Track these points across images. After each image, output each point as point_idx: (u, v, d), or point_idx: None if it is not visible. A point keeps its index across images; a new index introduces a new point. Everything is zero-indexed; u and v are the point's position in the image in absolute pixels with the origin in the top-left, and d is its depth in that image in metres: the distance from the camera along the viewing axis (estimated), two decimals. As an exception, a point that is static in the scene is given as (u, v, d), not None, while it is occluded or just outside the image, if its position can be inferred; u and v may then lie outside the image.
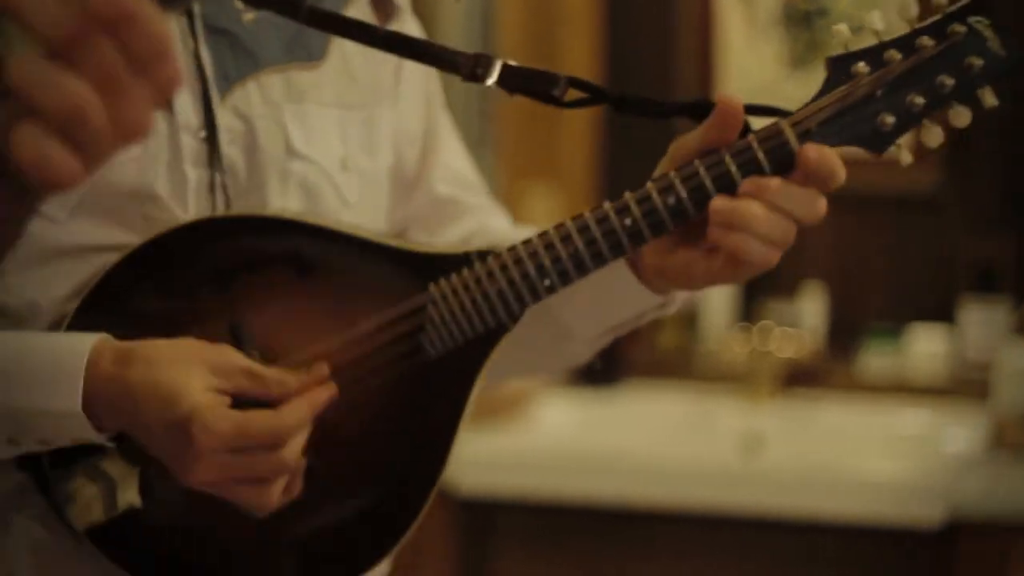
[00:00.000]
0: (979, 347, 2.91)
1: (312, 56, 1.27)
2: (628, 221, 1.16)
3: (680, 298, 1.28)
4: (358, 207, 1.29)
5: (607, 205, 1.17)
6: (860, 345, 3.02)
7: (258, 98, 1.23)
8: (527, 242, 1.18)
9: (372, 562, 1.25)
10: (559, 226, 1.17)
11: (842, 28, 1.17)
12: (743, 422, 2.92)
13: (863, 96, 1.15)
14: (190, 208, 1.20)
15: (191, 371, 1.11)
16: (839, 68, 1.17)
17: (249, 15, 1.23)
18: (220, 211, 1.21)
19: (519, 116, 3.13)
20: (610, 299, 1.25)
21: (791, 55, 3.11)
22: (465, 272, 1.19)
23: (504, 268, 1.19)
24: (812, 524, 2.55)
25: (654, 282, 1.22)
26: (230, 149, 1.22)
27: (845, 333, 3.06)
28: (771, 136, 1.15)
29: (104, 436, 1.14)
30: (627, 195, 1.18)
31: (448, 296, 1.20)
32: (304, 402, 1.14)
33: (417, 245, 1.24)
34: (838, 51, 1.17)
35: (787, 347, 2.99)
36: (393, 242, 1.23)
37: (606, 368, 2.99)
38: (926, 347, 2.96)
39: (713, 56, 3.14)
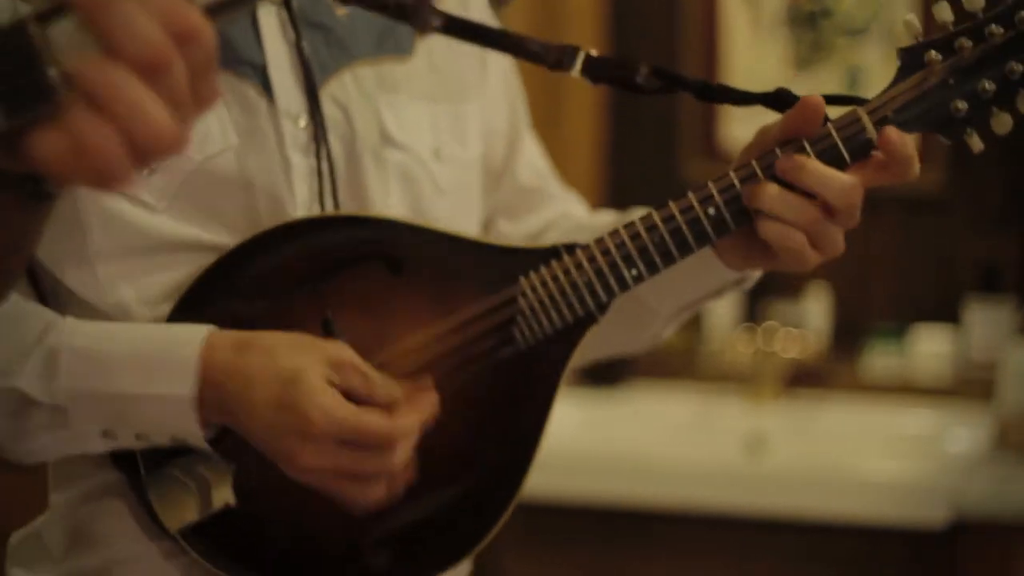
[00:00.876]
0: (983, 347, 2.91)
1: (401, 50, 1.30)
2: (712, 211, 1.20)
3: (756, 274, 1.32)
4: (452, 195, 1.32)
5: (690, 195, 1.20)
6: (864, 345, 3.03)
7: (353, 88, 1.26)
8: (614, 233, 1.22)
9: (464, 553, 1.27)
10: (645, 217, 1.21)
11: (912, 19, 1.21)
12: (747, 422, 2.92)
13: (936, 83, 1.19)
14: (296, 194, 1.23)
15: (310, 360, 1.13)
16: (912, 57, 1.20)
17: (342, 10, 1.26)
18: (327, 195, 1.24)
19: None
20: (689, 276, 1.29)
21: (795, 56, 3.11)
22: (554, 264, 1.23)
23: (592, 259, 1.22)
24: (816, 524, 2.55)
25: (730, 260, 1.26)
26: (330, 137, 1.25)
27: (849, 333, 3.06)
28: (849, 123, 1.19)
29: (206, 432, 1.16)
30: (710, 184, 1.20)
31: (538, 287, 1.23)
32: (415, 412, 1.16)
33: (507, 241, 1.29)
34: (909, 42, 1.20)
35: (791, 347, 3.00)
36: (483, 238, 1.28)
37: (610, 368, 3.00)
38: (930, 347, 2.96)
39: (718, 57, 3.14)
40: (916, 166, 1.18)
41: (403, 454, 1.15)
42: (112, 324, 1.18)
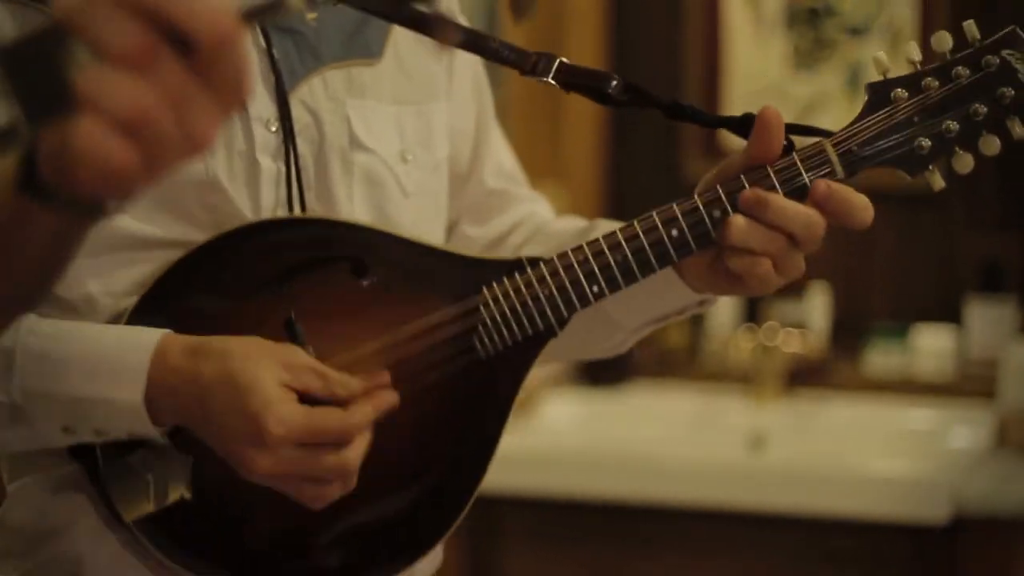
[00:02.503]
0: (984, 345, 2.91)
1: (371, 54, 1.31)
2: (675, 232, 1.22)
3: (717, 298, 1.33)
4: (417, 198, 1.32)
5: (655, 215, 1.22)
6: (865, 344, 3.03)
7: (322, 92, 1.27)
8: (577, 248, 1.24)
9: (418, 554, 1.29)
10: (609, 235, 1.23)
11: (881, 56, 1.24)
12: (749, 421, 2.93)
13: (902, 120, 1.23)
14: (263, 197, 1.24)
15: (264, 365, 1.14)
16: (879, 93, 1.24)
17: (311, 15, 1.28)
18: (295, 199, 1.25)
19: (527, 115, 3.14)
20: (653, 294, 1.30)
21: (797, 55, 3.12)
22: (517, 276, 1.25)
23: (555, 273, 1.24)
24: (817, 521, 2.55)
25: (693, 283, 1.27)
26: (299, 141, 1.26)
27: (850, 332, 3.06)
28: (814, 155, 1.22)
29: (160, 431, 1.17)
30: (675, 206, 1.22)
31: (500, 299, 1.25)
32: (369, 404, 1.17)
33: (472, 251, 1.30)
34: (877, 78, 1.24)
35: (793, 346, 3.00)
36: (448, 247, 1.29)
37: (612, 367, 3.00)
38: (932, 346, 2.96)
39: (719, 55, 3.15)
40: (864, 213, 1.21)
41: (359, 448, 1.16)
42: (68, 324, 1.19)
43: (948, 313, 2.99)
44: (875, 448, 2.83)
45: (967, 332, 2.95)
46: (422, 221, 1.33)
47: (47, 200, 0.77)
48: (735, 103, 3.11)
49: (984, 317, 2.93)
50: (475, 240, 1.43)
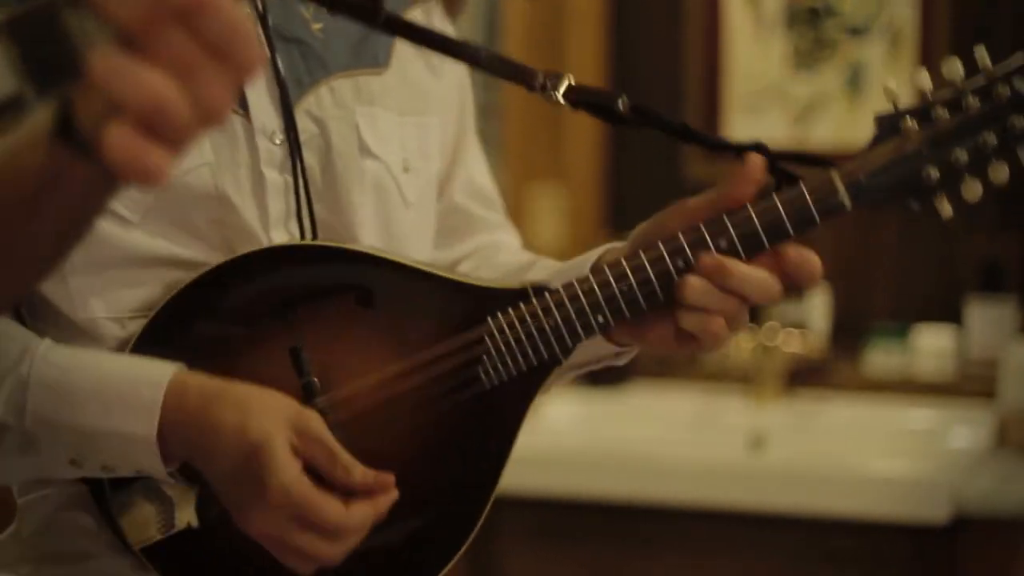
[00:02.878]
0: (985, 345, 2.92)
1: (378, 63, 1.31)
2: (681, 263, 1.21)
3: (634, 351, 1.32)
4: (417, 208, 1.33)
5: (661, 246, 1.21)
6: (866, 344, 3.03)
7: (330, 101, 1.27)
8: (583, 280, 1.23)
9: None
10: (615, 264, 1.22)
11: (892, 88, 1.23)
12: (749, 420, 2.93)
13: (911, 152, 1.21)
14: (270, 210, 1.24)
15: (279, 426, 1.15)
16: (888, 125, 1.23)
17: (317, 25, 1.28)
18: (304, 211, 1.25)
19: (525, 118, 3.14)
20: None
21: (797, 55, 3.12)
22: (522, 306, 1.24)
23: (560, 304, 1.23)
24: (818, 521, 2.56)
25: (617, 335, 1.27)
26: (305, 152, 1.26)
27: (851, 332, 3.06)
28: (821, 186, 1.21)
29: (168, 466, 1.17)
30: (680, 236, 1.22)
31: (505, 329, 1.24)
32: (370, 508, 1.17)
33: (477, 279, 1.29)
34: (887, 108, 1.23)
35: (793, 346, 3.00)
36: (455, 276, 1.29)
37: (613, 368, 3.00)
38: (932, 345, 2.96)
39: (719, 55, 3.15)
40: (811, 279, 1.22)
41: (350, 545, 1.17)
42: (83, 353, 1.19)
43: (948, 313, 3.00)
44: (875, 448, 2.83)
45: (967, 332, 2.95)
46: (420, 232, 1.34)
47: (82, 151, 0.76)
48: (735, 103, 3.11)
49: (984, 317, 2.93)
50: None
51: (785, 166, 1.24)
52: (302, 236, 1.25)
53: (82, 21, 0.72)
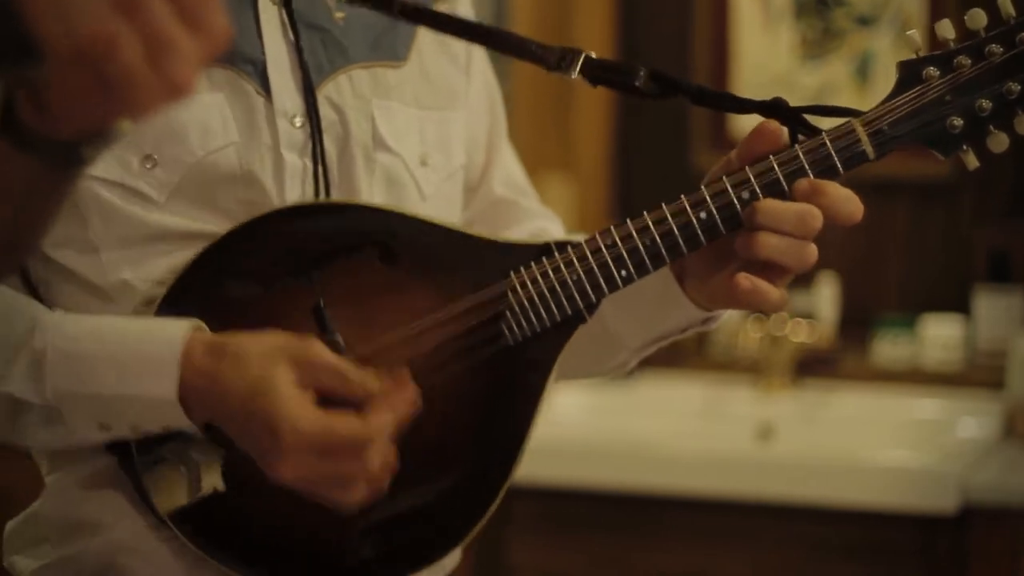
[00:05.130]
0: (993, 335, 2.91)
1: (397, 56, 1.31)
2: (703, 215, 1.21)
3: (723, 315, 1.33)
4: (434, 200, 1.32)
5: (683, 198, 1.22)
6: (874, 334, 3.03)
7: (349, 90, 1.27)
8: (604, 232, 1.23)
9: (450, 546, 1.28)
10: (637, 219, 1.22)
11: (914, 35, 1.23)
12: (757, 411, 2.93)
13: (934, 99, 1.21)
14: (287, 193, 1.24)
15: (280, 367, 1.13)
16: (910, 72, 1.22)
17: (339, 13, 1.28)
18: (320, 194, 1.25)
19: (534, 107, 3.14)
20: (658, 312, 1.31)
21: (806, 45, 3.11)
22: (545, 261, 1.24)
23: (583, 258, 1.23)
24: (825, 511, 2.56)
25: (697, 298, 1.27)
26: (324, 138, 1.26)
27: (859, 322, 3.06)
28: (844, 135, 1.21)
29: (195, 425, 1.17)
30: (703, 189, 1.22)
31: (528, 284, 1.23)
32: (389, 410, 1.15)
33: (499, 235, 1.29)
34: (909, 56, 1.22)
35: (801, 336, 3.00)
36: (476, 232, 1.28)
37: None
38: (940, 336, 2.96)
39: (728, 46, 3.15)
40: (851, 207, 1.21)
41: (379, 454, 1.14)
42: (93, 321, 1.19)
43: (956, 303, 2.99)
44: (883, 438, 2.83)
45: (975, 322, 2.95)
46: None
47: (25, 143, 0.77)
48: (743, 93, 3.09)
49: (992, 307, 2.93)
50: None
51: (808, 120, 1.24)
52: None
53: (35, 4, 0.71)
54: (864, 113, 1.22)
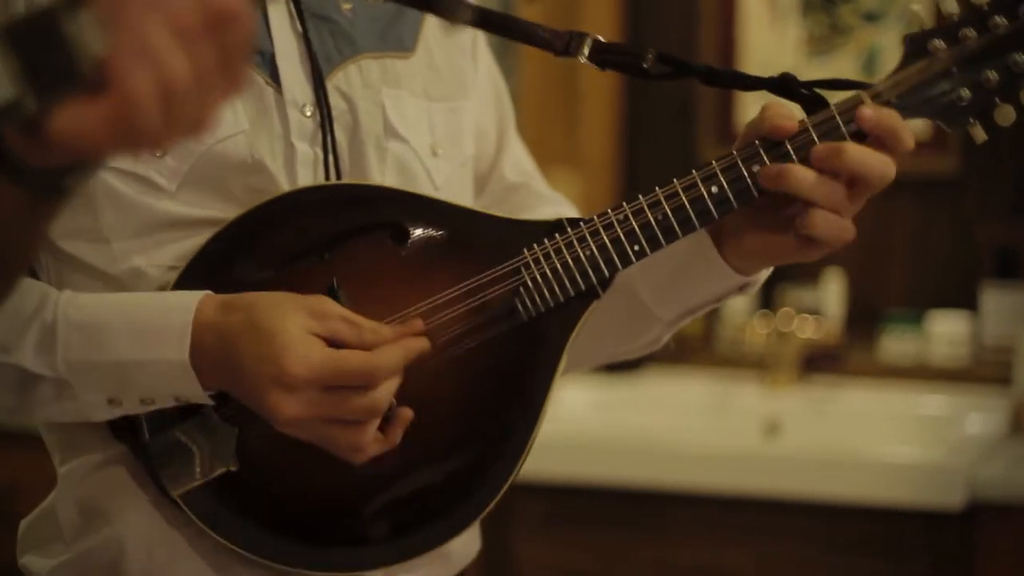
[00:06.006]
0: (1000, 331, 2.91)
1: (405, 47, 1.32)
2: (715, 189, 1.22)
3: (760, 280, 1.33)
4: (446, 191, 1.32)
5: (694, 172, 1.23)
6: (881, 330, 3.03)
7: (358, 80, 1.28)
8: (617, 208, 1.23)
9: (465, 523, 1.28)
10: (649, 194, 1.23)
11: (919, 9, 1.24)
12: (764, 407, 2.93)
13: (940, 71, 1.22)
14: (299, 181, 1.24)
15: (288, 312, 1.15)
16: (916, 45, 1.23)
17: (346, 5, 1.29)
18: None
19: (541, 101, 3.14)
20: (693, 279, 1.30)
21: (812, 41, 3.11)
22: (557, 236, 1.24)
23: (595, 233, 1.23)
24: (832, 507, 2.56)
25: (735, 261, 1.27)
26: (335, 127, 1.26)
27: (866, 318, 3.06)
28: (852, 107, 1.21)
29: (206, 393, 1.18)
30: (713, 163, 1.23)
31: (541, 259, 1.24)
32: (398, 347, 1.16)
33: (511, 215, 1.29)
34: (914, 29, 1.23)
35: (808, 332, 3.00)
36: (488, 210, 1.29)
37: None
38: (947, 332, 2.96)
39: (734, 42, 3.15)
40: (904, 138, 1.20)
41: (387, 391, 1.15)
42: (107, 295, 1.21)
43: (963, 299, 2.99)
44: (890, 434, 2.83)
45: (982, 318, 2.95)
46: None
47: (15, 174, 0.77)
48: (750, 89, 3.10)
49: (999, 303, 2.93)
50: None
51: (818, 95, 1.24)
52: None
53: (81, 28, 0.72)
54: (872, 86, 1.22)
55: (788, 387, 2.98)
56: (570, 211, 1.45)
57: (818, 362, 3.01)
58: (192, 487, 1.21)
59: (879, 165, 1.20)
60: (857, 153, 1.19)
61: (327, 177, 1.25)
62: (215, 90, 0.75)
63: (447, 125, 1.34)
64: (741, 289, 1.32)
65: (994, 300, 2.93)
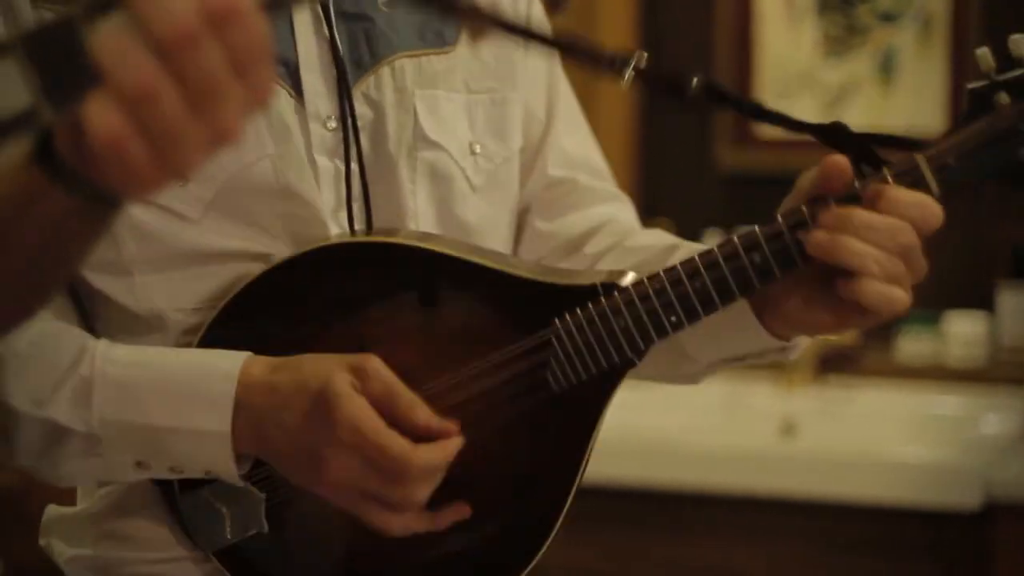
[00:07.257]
0: (1016, 332, 2.91)
1: (445, 42, 1.26)
2: (757, 258, 1.14)
3: (803, 344, 1.25)
4: (485, 192, 1.28)
5: (736, 240, 1.14)
6: (897, 331, 3.03)
7: (389, 85, 1.23)
8: (653, 277, 1.16)
9: None
10: (687, 262, 1.15)
11: (985, 53, 1.12)
12: (780, 407, 2.93)
13: (1004, 129, 1.12)
14: (323, 198, 1.20)
15: (336, 368, 1.11)
16: (980, 99, 1.13)
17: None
18: (355, 199, 1.21)
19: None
20: (729, 334, 1.23)
21: (828, 41, 3.11)
22: (591, 307, 1.17)
23: (631, 304, 1.17)
24: (848, 508, 2.56)
25: (775, 326, 1.20)
26: (361, 136, 1.21)
27: (882, 319, 3.05)
28: (907, 171, 1.12)
29: (240, 467, 1.15)
30: (757, 229, 1.14)
31: (573, 331, 1.18)
32: (438, 451, 1.12)
33: (544, 275, 1.22)
34: (979, 80, 1.13)
35: (824, 332, 3.00)
36: (521, 272, 1.21)
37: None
38: (963, 332, 2.96)
39: (750, 42, 3.15)
40: (930, 210, 1.14)
41: (425, 489, 1.12)
42: (146, 350, 1.17)
43: (979, 300, 2.99)
44: (906, 435, 2.83)
45: (999, 319, 2.95)
46: (489, 216, 1.29)
47: (59, 177, 0.76)
48: (766, 89, 3.11)
49: (1016, 304, 2.92)
50: (546, 237, 1.36)
51: (865, 146, 1.14)
52: (350, 224, 1.21)
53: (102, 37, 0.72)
54: (928, 144, 1.13)
55: (804, 387, 2.98)
56: (627, 213, 1.39)
57: (834, 362, 3.01)
58: (222, 545, 1.21)
59: (934, 210, 1.14)
60: (905, 193, 1.12)
61: (348, 190, 1.21)
62: (233, 99, 0.72)
63: (489, 118, 1.28)
64: (781, 351, 1.24)
65: (1010, 301, 2.93)
